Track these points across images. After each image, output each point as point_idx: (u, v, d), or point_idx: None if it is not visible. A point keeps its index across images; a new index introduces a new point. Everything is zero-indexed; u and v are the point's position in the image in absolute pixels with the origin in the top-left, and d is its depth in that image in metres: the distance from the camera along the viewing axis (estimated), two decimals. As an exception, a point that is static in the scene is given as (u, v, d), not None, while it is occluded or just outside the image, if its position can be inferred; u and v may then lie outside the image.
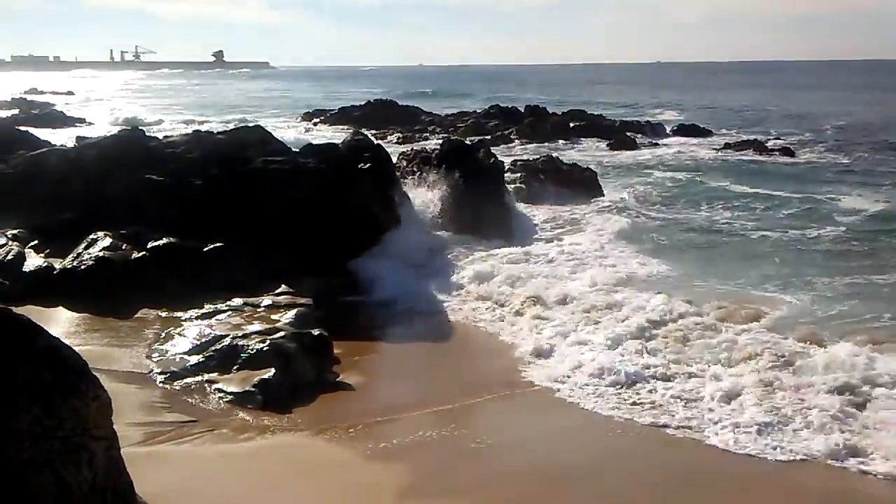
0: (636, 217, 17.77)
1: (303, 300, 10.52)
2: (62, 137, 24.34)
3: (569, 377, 8.75)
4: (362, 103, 47.22)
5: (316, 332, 9.38)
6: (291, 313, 9.91)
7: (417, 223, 14.67)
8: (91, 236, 11.43)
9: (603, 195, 19.76)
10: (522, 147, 31.94)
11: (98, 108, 53.05)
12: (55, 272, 10.93)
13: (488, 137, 31.71)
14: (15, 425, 4.27)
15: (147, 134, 15.59)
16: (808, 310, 11.01)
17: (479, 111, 43.54)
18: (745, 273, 13.05)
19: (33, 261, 11.26)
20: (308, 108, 51.28)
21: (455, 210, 15.49)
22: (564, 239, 15.78)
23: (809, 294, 11.73)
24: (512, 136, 34.55)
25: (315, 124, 44.06)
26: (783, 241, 15.76)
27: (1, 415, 4.23)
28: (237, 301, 10.46)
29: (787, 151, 30.57)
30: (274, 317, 9.90)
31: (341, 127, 39.77)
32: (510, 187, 18.14)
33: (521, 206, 17.73)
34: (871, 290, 12.16)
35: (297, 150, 14.82)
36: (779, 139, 34.72)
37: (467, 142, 19.19)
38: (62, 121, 42.81)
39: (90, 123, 42.54)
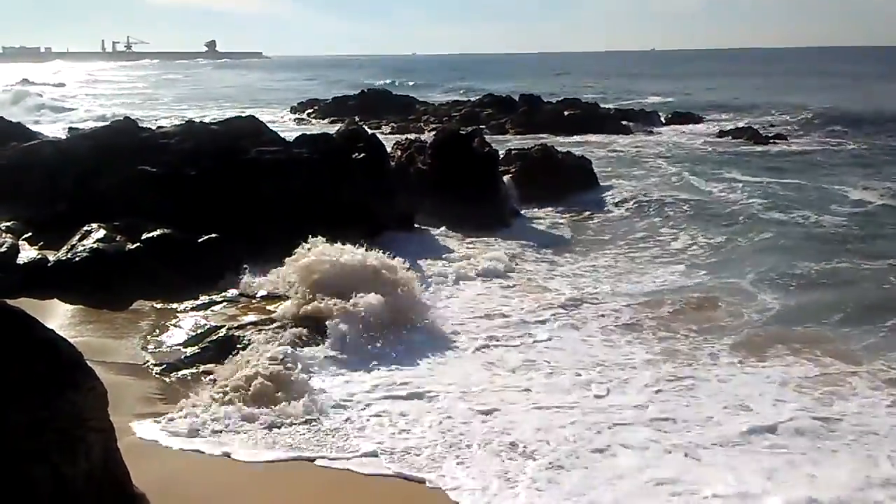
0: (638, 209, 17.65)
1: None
2: (54, 128, 24.26)
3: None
4: (356, 93, 47.08)
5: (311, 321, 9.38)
6: (287, 303, 9.89)
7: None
8: (85, 228, 11.38)
9: (598, 184, 19.74)
10: (516, 136, 31.91)
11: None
12: (49, 264, 10.89)
13: (482, 127, 31.70)
14: (11, 418, 4.27)
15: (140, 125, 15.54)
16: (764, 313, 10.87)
17: (473, 100, 43.46)
18: (742, 267, 12.92)
19: (27, 253, 11.21)
20: (301, 98, 51.05)
21: (448, 201, 15.48)
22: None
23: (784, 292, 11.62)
24: (506, 126, 34.51)
25: (309, 115, 43.90)
26: (789, 232, 15.52)
27: (-3, 408, 4.22)
28: (232, 292, 10.45)
29: (780, 137, 30.70)
30: (269, 307, 9.89)
31: (335, 118, 39.61)
32: (505, 177, 18.12)
33: (519, 198, 17.72)
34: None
35: (291, 140, 14.80)
36: (773, 126, 34.80)
37: (462, 131, 19.15)
38: (54, 111, 42.73)
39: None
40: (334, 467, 6.57)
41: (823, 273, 12.55)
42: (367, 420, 7.33)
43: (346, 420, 7.32)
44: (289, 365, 7.99)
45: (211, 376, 8.16)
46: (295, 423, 7.17)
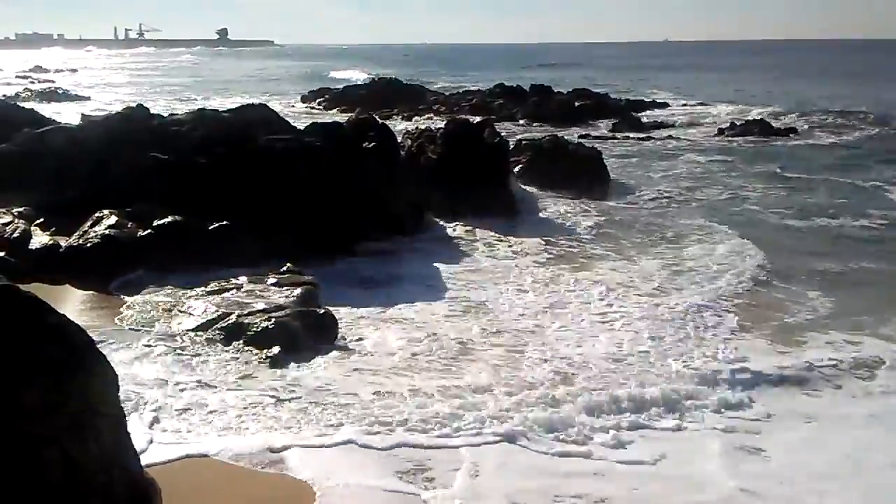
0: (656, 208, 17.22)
1: (308, 278, 10.54)
2: (66, 115, 24.30)
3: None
4: (367, 82, 47.06)
5: (321, 310, 9.41)
6: (297, 291, 9.92)
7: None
8: (97, 214, 11.46)
9: (609, 176, 19.61)
10: (527, 126, 31.88)
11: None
12: (61, 250, 10.97)
13: (493, 117, 31.65)
14: (23, 402, 4.31)
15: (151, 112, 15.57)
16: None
17: (483, 90, 43.36)
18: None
19: (39, 238, 11.29)
20: (312, 88, 51.04)
21: (458, 190, 15.46)
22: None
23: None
24: (517, 116, 34.47)
25: (320, 103, 43.88)
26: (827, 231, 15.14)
27: (9, 391, 4.26)
28: (242, 279, 10.50)
29: (792, 131, 30.54)
30: (279, 295, 9.92)
31: (345, 107, 39.57)
32: (515, 168, 18.08)
33: (529, 189, 17.62)
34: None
35: (302, 128, 14.81)
36: (781, 116, 34.63)
37: (472, 121, 19.10)
38: (65, 98, 43.00)
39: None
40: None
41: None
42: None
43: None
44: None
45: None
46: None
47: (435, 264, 12.31)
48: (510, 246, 13.67)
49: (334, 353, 8.57)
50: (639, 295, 10.93)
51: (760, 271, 12.10)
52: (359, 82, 53.35)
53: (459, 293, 10.99)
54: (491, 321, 9.79)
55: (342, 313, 9.63)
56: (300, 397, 7.41)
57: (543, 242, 13.85)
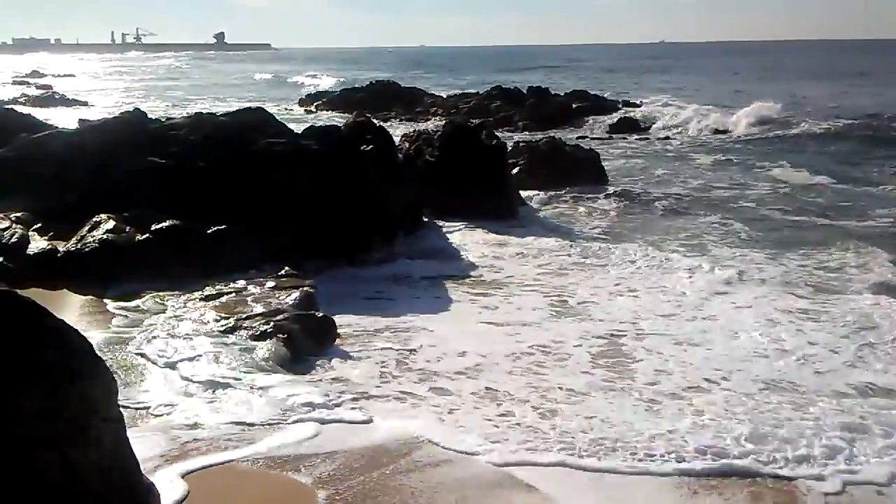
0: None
1: (306, 282, 10.53)
2: (64, 119, 24.29)
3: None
4: (364, 85, 47.10)
5: (319, 314, 9.39)
6: (295, 295, 9.91)
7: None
8: (94, 219, 11.43)
9: (607, 178, 19.63)
10: (525, 128, 31.88)
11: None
12: (59, 255, 10.94)
13: (491, 119, 31.69)
14: (21, 407, 4.29)
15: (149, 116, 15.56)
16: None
17: (481, 93, 43.38)
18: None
19: (37, 243, 11.26)
20: (309, 91, 51.06)
21: (457, 192, 15.46)
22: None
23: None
24: (515, 118, 34.48)
25: (317, 107, 43.90)
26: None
27: (8, 397, 4.25)
28: (241, 283, 10.48)
29: (790, 129, 30.70)
30: (277, 298, 9.90)
31: (343, 110, 39.58)
32: (513, 170, 18.08)
33: (527, 191, 17.64)
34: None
35: (300, 132, 14.79)
36: (780, 115, 34.63)
37: (470, 123, 19.10)
38: (63, 103, 43.08)
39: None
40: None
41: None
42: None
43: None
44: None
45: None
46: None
47: (436, 265, 12.30)
48: (515, 247, 13.57)
49: (334, 357, 8.55)
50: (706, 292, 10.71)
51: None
52: (329, 89, 53.30)
53: (462, 293, 10.97)
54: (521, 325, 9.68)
55: (342, 316, 9.60)
56: (293, 397, 7.39)
57: (551, 244, 13.58)
